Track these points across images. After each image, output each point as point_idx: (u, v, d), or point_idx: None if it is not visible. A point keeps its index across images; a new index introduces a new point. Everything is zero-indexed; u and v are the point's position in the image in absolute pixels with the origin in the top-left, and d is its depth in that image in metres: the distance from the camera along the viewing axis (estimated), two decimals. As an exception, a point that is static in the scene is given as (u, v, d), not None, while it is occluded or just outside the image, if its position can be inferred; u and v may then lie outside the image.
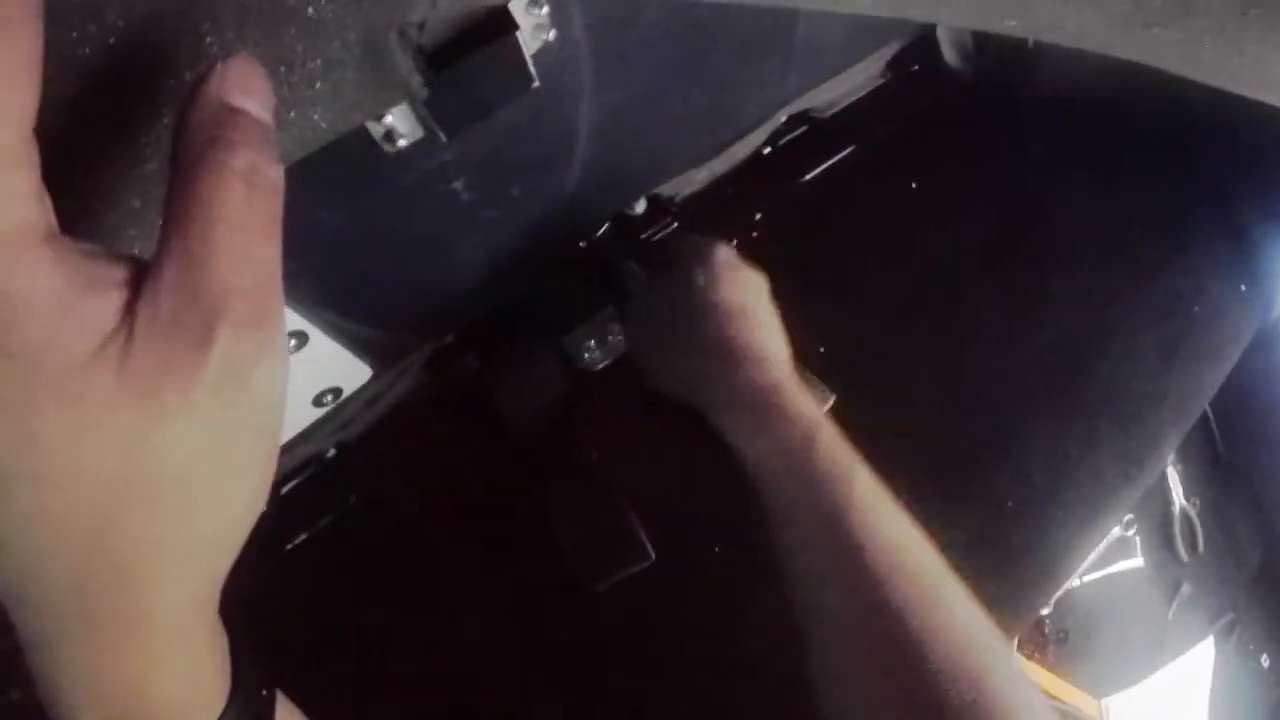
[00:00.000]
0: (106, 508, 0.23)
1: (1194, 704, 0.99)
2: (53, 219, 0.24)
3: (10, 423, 0.22)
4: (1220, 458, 1.05)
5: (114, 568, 0.24)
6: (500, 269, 0.59)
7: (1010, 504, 0.69)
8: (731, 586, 0.64)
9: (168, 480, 0.24)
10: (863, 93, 0.79)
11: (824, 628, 0.50)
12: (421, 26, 0.37)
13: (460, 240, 0.52)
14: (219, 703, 0.29)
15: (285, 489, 0.67)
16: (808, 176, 0.75)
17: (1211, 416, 1.04)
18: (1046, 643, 0.89)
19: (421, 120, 0.41)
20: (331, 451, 0.68)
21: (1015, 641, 0.84)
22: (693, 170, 0.69)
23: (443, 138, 0.41)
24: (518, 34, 0.39)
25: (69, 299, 0.22)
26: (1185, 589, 0.99)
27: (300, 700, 0.38)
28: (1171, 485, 0.99)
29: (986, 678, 0.44)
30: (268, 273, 0.26)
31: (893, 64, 0.79)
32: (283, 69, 0.34)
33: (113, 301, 0.23)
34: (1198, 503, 1.01)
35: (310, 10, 0.33)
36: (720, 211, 0.72)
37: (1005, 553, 0.68)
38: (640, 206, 0.69)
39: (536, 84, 0.41)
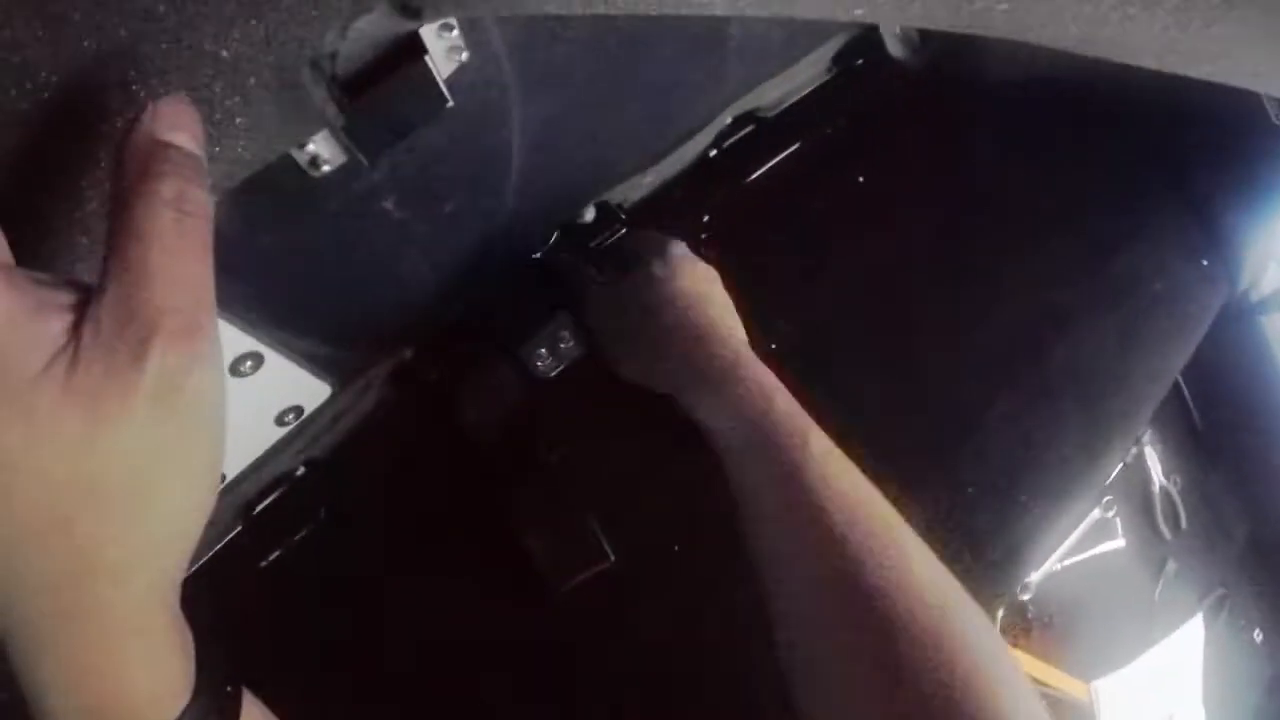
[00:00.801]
0: (66, 505, 0.27)
1: (1185, 682, 1.00)
2: (6, 253, 0.28)
3: None
4: (1199, 433, 1.07)
5: (78, 558, 0.27)
6: (448, 283, 0.62)
7: (971, 490, 0.71)
8: (691, 584, 0.67)
9: (116, 479, 0.27)
10: (809, 89, 0.82)
11: (786, 590, 0.53)
12: (334, 57, 0.41)
13: (400, 257, 0.55)
14: (184, 696, 0.32)
15: (259, 509, 0.70)
16: (754, 175, 0.78)
17: (1187, 392, 1.05)
18: (1031, 627, 0.91)
19: (343, 146, 0.44)
20: (301, 469, 0.71)
21: (995, 627, 0.86)
22: (639, 175, 0.72)
23: (364, 161, 0.44)
24: (428, 59, 0.42)
25: (20, 321, 0.26)
26: (1171, 566, 1.01)
27: (279, 709, 0.41)
28: (1150, 464, 1.01)
29: (946, 627, 0.46)
30: (199, 291, 0.29)
31: (838, 59, 0.82)
32: (205, 107, 0.38)
33: (59, 323, 0.27)
34: (1179, 480, 1.03)
35: (224, 52, 0.37)
36: (668, 215, 0.75)
37: (968, 538, 0.71)
38: (589, 214, 0.72)
39: (451, 104, 0.44)
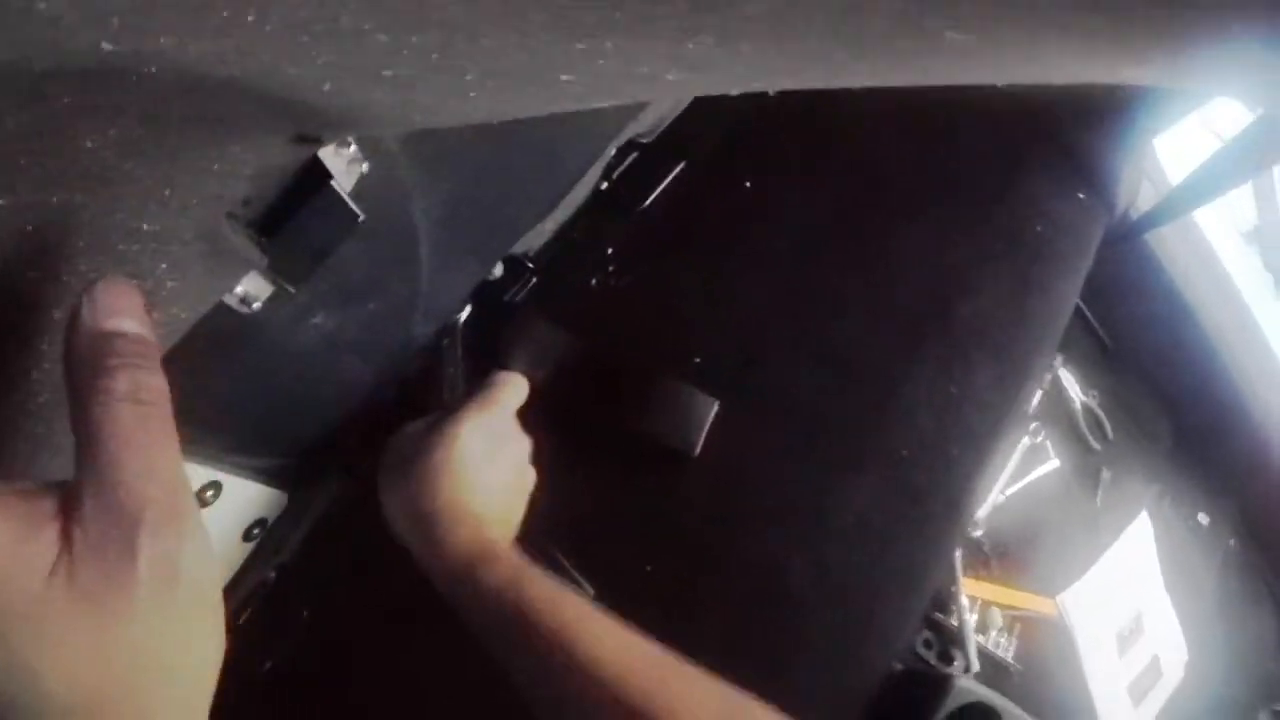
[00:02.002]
0: (91, 697, 0.30)
1: (1145, 578, 1.11)
2: None
3: None
4: (1107, 348, 1.18)
5: None
6: (381, 370, 0.67)
7: (905, 453, 0.79)
8: (670, 601, 0.73)
9: (131, 664, 0.30)
10: (682, 108, 0.88)
11: None
12: (247, 203, 0.45)
13: (336, 362, 0.59)
14: None
15: (241, 620, 0.73)
16: (647, 202, 0.84)
17: (1089, 314, 1.16)
18: (989, 559, 1.00)
19: (269, 280, 0.48)
20: (272, 574, 0.75)
21: (957, 567, 0.94)
22: (539, 224, 0.78)
23: (290, 290, 0.49)
24: (333, 183, 0.46)
25: (14, 545, 0.29)
26: (1106, 474, 1.11)
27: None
28: (1067, 385, 1.11)
29: None
30: (170, 475, 0.31)
31: (705, 73, 0.88)
32: (136, 281, 0.41)
33: (50, 534, 0.29)
34: (1096, 395, 1.14)
35: (145, 226, 0.41)
36: (572, 256, 0.81)
37: (911, 498, 0.78)
38: (498, 270, 0.78)
39: (362, 218, 0.49)
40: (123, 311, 0.34)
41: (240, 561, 0.68)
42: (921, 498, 0.78)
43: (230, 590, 0.69)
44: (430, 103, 0.33)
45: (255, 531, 0.67)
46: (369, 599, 0.75)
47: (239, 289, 0.47)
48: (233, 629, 0.75)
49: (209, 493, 0.59)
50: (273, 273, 0.47)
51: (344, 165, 0.49)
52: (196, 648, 0.33)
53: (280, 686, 0.71)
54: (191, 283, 0.44)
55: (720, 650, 0.72)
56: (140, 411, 0.31)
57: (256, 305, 0.48)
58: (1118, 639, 1.06)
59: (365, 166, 0.49)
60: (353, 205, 0.47)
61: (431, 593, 0.73)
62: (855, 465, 0.78)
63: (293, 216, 0.46)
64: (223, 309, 0.48)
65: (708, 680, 0.53)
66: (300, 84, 0.30)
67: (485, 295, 0.78)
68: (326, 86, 0.30)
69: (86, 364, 0.31)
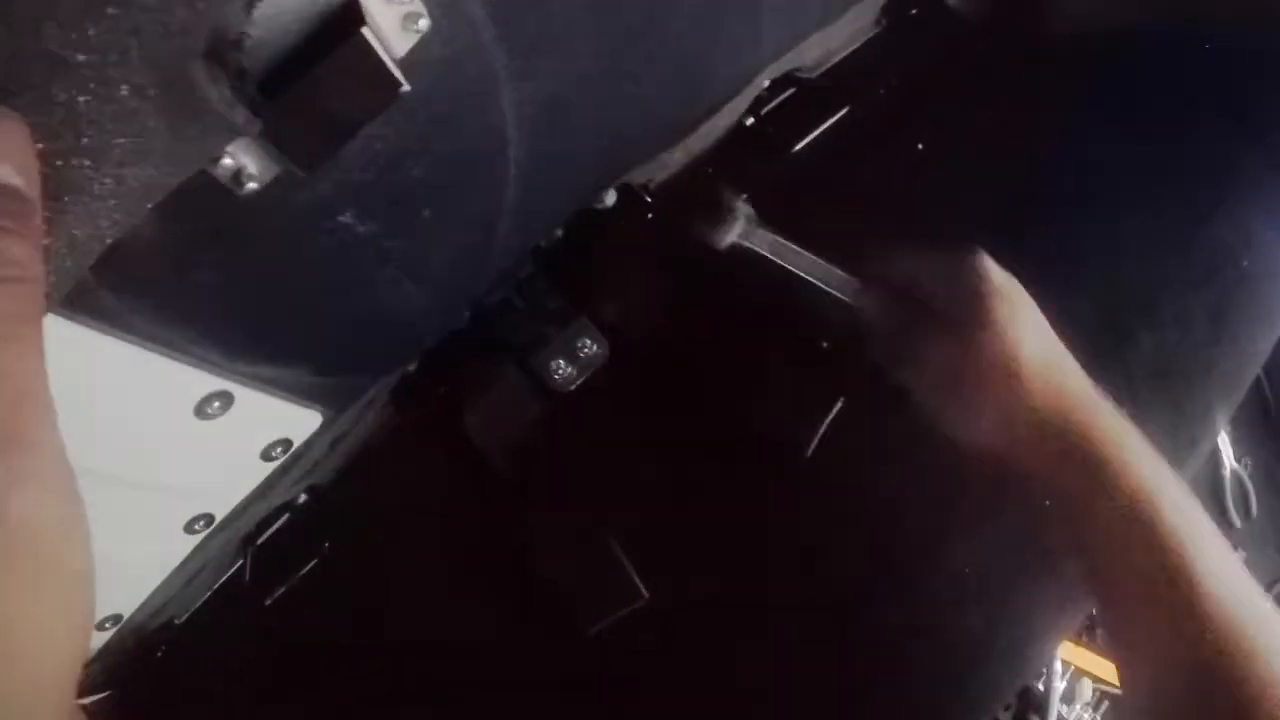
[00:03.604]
0: None
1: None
2: None
3: None
4: (1271, 414, 0.91)
5: None
6: (443, 293, 0.50)
7: (1048, 502, 0.57)
8: (734, 620, 0.56)
9: None
10: (856, 44, 0.66)
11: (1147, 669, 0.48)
12: (239, 45, 0.28)
13: (373, 274, 0.42)
14: None
15: (259, 541, 0.59)
16: (798, 147, 0.63)
17: (1261, 372, 0.89)
18: (1095, 625, 0.79)
19: (272, 156, 0.31)
20: (302, 497, 0.60)
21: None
22: (666, 153, 0.58)
23: (299, 173, 0.31)
24: (366, 31, 0.28)
25: None
26: (1239, 555, 0.87)
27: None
28: (1222, 447, 0.86)
29: None
30: (17, 387, 0.21)
31: (887, 9, 0.66)
32: (68, 131, 0.25)
33: None
34: (1249, 464, 0.88)
35: (80, 55, 0.24)
36: (700, 195, 0.61)
37: (1043, 560, 0.57)
38: (610, 198, 0.59)
39: (406, 89, 0.31)
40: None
41: (258, 481, 0.53)
42: (1055, 563, 0.57)
43: (249, 505, 0.55)
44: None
45: (277, 452, 0.52)
46: (398, 544, 0.59)
47: (228, 161, 0.31)
48: (250, 548, 0.61)
49: (214, 404, 0.45)
50: (273, 146, 0.30)
51: (396, 17, 0.31)
52: (32, 620, 0.22)
53: (286, 618, 0.57)
54: (151, 143, 0.28)
55: (782, 690, 0.55)
56: None
57: (252, 186, 0.31)
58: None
59: (424, 23, 0.31)
60: (393, 69, 0.29)
61: (466, 551, 0.58)
62: (986, 512, 0.57)
63: (304, 71, 0.28)
64: (213, 185, 0.31)
65: None
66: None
67: (587, 226, 0.59)
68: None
69: None
